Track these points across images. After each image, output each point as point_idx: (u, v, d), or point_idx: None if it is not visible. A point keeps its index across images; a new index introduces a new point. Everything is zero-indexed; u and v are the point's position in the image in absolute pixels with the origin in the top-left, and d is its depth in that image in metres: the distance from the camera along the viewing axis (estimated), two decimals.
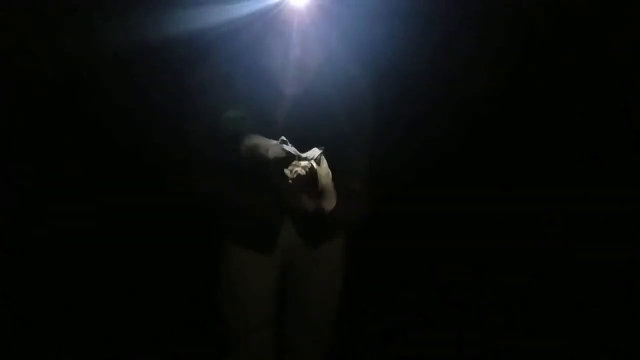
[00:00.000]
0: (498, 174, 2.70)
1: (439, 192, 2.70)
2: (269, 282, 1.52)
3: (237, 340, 1.55)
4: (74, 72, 2.01)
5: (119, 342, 2.00)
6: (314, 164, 1.10)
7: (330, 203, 1.17)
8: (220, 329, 1.56)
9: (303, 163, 1.10)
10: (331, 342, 1.66)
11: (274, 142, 1.12)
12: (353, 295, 1.66)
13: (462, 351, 2.02)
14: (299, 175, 1.09)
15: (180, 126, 1.35)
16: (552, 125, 2.45)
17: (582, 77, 2.33)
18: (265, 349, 1.58)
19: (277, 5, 1.17)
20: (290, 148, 1.11)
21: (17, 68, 1.97)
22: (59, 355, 1.93)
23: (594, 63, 2.32)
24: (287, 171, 1.10)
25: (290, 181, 1.09)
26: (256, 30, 1.21)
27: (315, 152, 1.11)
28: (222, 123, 1.24)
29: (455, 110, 2.13)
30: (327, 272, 1.54)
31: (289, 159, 1.10)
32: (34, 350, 1.94)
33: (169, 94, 1.51)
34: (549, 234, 2.58)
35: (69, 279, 2.26)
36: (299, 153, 1.11)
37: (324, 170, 1.13)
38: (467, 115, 2.19)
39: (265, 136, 1.17)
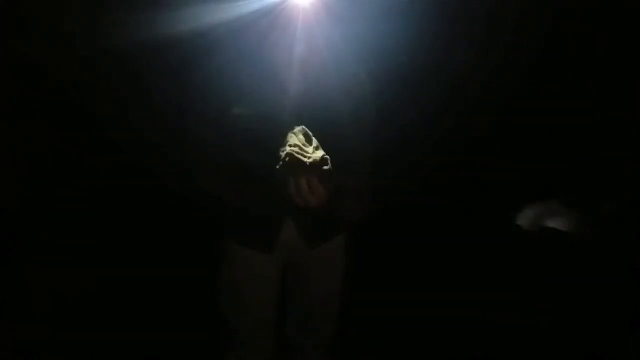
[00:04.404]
0: (501, 175, 2.68)
1: (439, 191, 2.69)
2: (270, 282, 1.52)
3: (238, 340, 1.54)
4: (75, 69, 2.01)
5: (118, 342, 1.99)
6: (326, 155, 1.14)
7: (331, 202, 1.18)
8: (221, 329, 1.56)
9: (317, 153, 1.15)
10: (332, 342, 1.66)
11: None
12: (354, 294, 1.66)
13: (463, 351, 2.02)
14: (314, 160, 1.11)
15: (183, 124, 1.36)
16: (566, 129, 2.40)
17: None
18: (266, 349, 1.58)
19: (282, 2, 1.17)
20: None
21: (15, 65, 1.96)
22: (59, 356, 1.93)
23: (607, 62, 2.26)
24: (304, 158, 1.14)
25: (308, 163, 1.13)
26: (261, 27, 1.22)
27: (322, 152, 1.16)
28: (226, 120, 1.25)
29: (461, 112, 2.10)
30: (328, 271, 1.54)
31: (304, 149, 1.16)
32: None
33: (173, 92, 1.51)
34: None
35: (67, 277, 2.25)
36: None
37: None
38: (474, 117, 2.16)
39: (268, 132, 1.18)
